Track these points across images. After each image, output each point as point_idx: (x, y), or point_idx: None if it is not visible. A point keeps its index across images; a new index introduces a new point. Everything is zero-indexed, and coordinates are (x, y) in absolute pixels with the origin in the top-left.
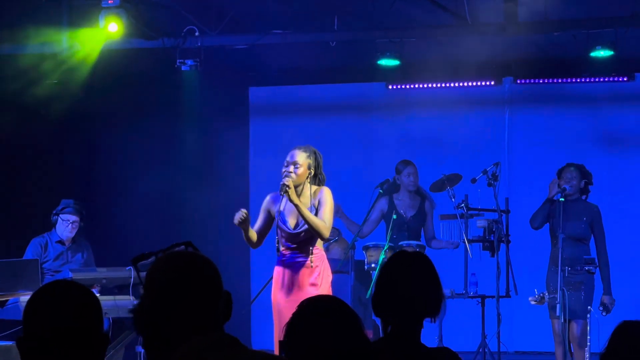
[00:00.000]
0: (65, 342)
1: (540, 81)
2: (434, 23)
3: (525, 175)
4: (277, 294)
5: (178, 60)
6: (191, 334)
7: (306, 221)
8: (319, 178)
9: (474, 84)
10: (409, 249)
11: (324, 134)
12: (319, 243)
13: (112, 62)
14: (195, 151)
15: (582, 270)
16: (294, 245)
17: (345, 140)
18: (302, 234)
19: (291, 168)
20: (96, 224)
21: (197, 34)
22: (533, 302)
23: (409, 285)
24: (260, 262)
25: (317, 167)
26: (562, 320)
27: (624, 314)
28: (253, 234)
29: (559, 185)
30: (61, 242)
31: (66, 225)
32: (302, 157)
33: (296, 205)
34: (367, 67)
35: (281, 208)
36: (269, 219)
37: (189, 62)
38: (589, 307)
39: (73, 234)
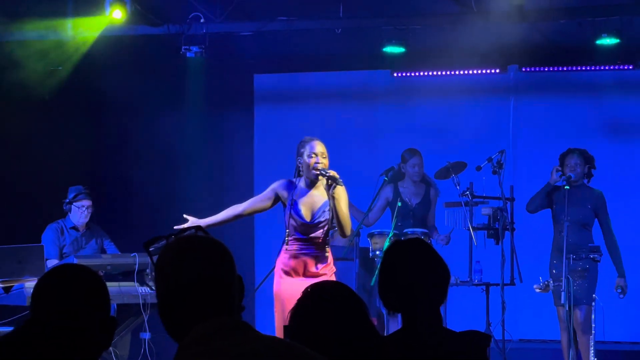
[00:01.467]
0: (73, 325)
1: (546, 69)
2: (439, 10)
3: (530, 163)
4: (283, 285)
5: (183, 47)
6: (206, 319)
7: (340, 215)
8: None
9: (479, 71)
10: (412, 236)
11: (328, 121)
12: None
13: (117, 48)
14: (200, 138)
15: (587, 258)
16: (306, 237)
17: (350, 128)
18: (319, 225)
19: (320, 159)
20: (100, 211)
21: (202, 20)
22: (538, 290)
23: (407, 272)
24: (265, 250)
25: None
26: (567, 308)
27: (631, 301)
28: (224, 220)
29: (563, 172)
30: (75, 228)
31: (82, 211)
32: (325, 149)
33: (335, 198)
34: (373, 54)
35: (295, 198)
36: (273, 200)
37: (194, 48)
38: (593, 294)
39: (88, 219)
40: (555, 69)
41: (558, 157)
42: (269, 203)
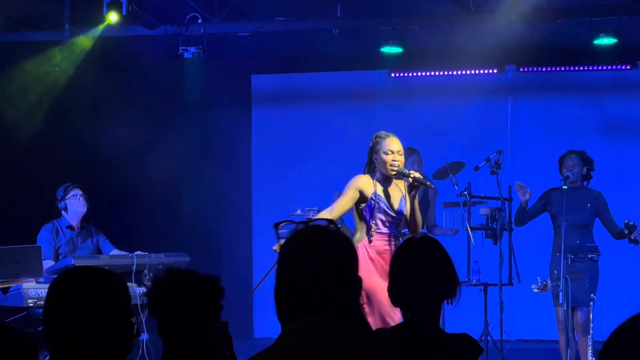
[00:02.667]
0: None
1: (543, 69)
2: (437, 11)
3: (528, 163)
4: (372, 280)
5: (181, 48)
6: (313, 312)
7: (417, 214)
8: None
9: (477, 72)
10: (408, 236)
11: (326, 121)
12: None
13: (115, 49)
14: (198, 139)
15: (585, 258)
16: (389, 231)
17: (348, 128)
18: (402, 220)
19: (397, 156)
20: (99, 212)
21: (199, 21)
22: (536, 290)
23: (421, 271)
24: (263, 249)
25: None
26: (565, 308)
27: (629, 301)
28: None
29: (561, 172)
30: (70, 227)
31: (77, 200)
32: (401, 146)
33: (414, 198)
34: (370, 54)
35: (380, 192)
36: (357, 198)
37: (191, 49)
38: (592, 295)
39: (86, 208)
40: (553, 69)
41: (556, 157)
42: (352, 203)
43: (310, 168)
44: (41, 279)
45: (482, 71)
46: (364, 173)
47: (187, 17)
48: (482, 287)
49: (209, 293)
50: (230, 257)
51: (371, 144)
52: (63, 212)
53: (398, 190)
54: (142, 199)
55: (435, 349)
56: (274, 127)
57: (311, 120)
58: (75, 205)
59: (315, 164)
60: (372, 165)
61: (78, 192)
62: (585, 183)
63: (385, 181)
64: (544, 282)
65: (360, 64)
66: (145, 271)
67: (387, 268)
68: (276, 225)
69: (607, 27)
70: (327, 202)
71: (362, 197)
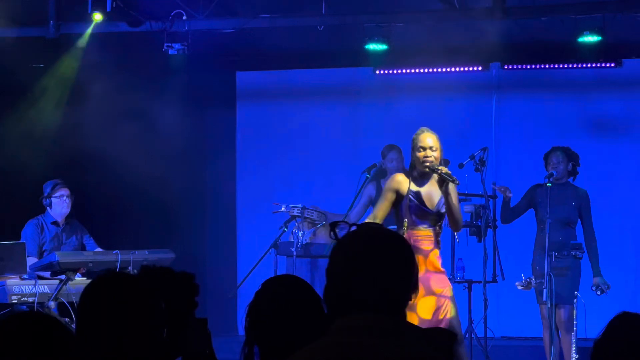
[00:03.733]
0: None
1: (528, 67)
2: (422, 8)
3: (512, 160)
4: None
5: (165, 44)
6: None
7: (453, 210)
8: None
9: (462, 69)
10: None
11: (311, 118)
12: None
13: (99, 45)
14: (182, 135)
15: (569, 255)
16: (425, 227)
17: (333, 125)
18: (439, 214)
19: (428, 152)
20: (83, 207)
21: (184, 17)
22: (520, 287)
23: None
24: (247, 245)
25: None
26: (549, 305)
27: (613, 298)
28: None
29: (547, 169)
30: (55, 223)
31: (62, 201)
32: (437, 141)
33: (448, 194)
34: (355, 51)
35: (414, 189)
36: (394, 199)
37: (176, 46)
38: (575, 292)
39: (70, 209)
40: (538, 67)
41: (540, 154)
42: (390, 205)
43: (295, 165)
44: (25, 276)
45: (466, 68)
46: (409, 171)
47: (172, 14)
48: (466, 285)
49: (184, 290)
50: (214, 253)
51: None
52: (48, 208)
53: (437, 189)
54: (126, 195)
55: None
56: (259, 123)
57: (296, 117)
58: (59, 205)
59: (300, 160)
60: (412, 162)
61: (65, 192)
62: (571, 179)
63: (423, 178)
64: (528, 280)
65: (345, 61)
66: (129, 268)
67: (431, 264)
68: (333, 225)
69: (591, 25)
70: (311, 199)
71: (399, 196)
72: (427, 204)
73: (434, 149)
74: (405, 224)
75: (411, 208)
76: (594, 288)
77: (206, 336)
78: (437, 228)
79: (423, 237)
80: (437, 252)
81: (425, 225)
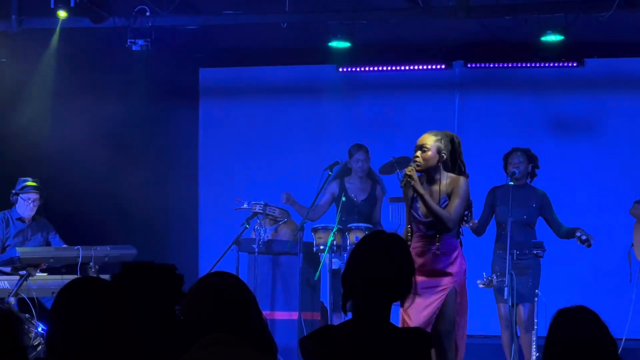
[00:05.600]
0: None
1: (491, 65)
2: (386, 6)
3: (474, 159)
4: None
5: (129, 40)
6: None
7: (429, 211)
8: (458, 165)
9: (425, 67)
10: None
11: (274, 116)
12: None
13: (62, 41)
14: (145, 132)
15: (531, 254)
16: (423, 233)
17: (296, 123)
18: (428, 220)
19: (418, 152)
20: (46, 202)
21: (148, 13)
22: (481, 286)
23: (386, 267)
24: (209, 242)
25: (452, 152)
26: (510, 304)
27: (571, 299)
28: None
29: (507, 170)
30: (21, 219)
31: (27, 204)
32: (430, 140)
33: (420, 195)
34: (318, 49)
35: (414, 195)
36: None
37: (139, 42)
38: (536, 290)
39: (34, 212)
40: (501, 65)
41: (502, 153)
42: (409, 209)
43: (258, 162)
44: None
45: (429, 66)
46: None
47: (136, 10)
48: None
49: (169, 282)
50: (176, 250)
51: None
52: (15, 204)
53: (436, 190)
54: (88, 191)
55: (382, 343)
56: (222, 120)
57: (259, 114)
58: (24, 207)
59: (263, 158)
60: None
61: (33, 196)
62: (529, 180)
63: (428, 181)
64: (490, 278)
65: (308, 58)
66: (90, 264)
67: (432, 269)
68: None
69: (554, 24)
70: (274, 197)
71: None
72: (422, 211)
73: (424, 148)
74: (408, 229)
75: (410, 213)
76: (583, 237)
77: None
78: (436, 233)
79: (423, 242)
80: (438, 256)
81: (421, 231)
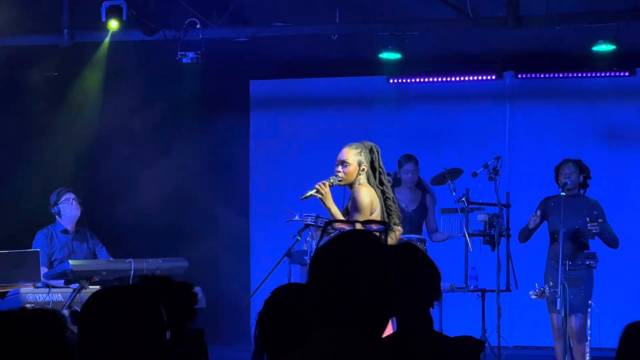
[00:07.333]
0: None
1: (541, 76)
2: (436, 16)
3: (526, 169)
4: None
5: (179, 53)
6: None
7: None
8: (379, 173)
9: (475, 78)
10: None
11: (324, 127)
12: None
13: (113, 54)
14: (196, 144)
15: (583, 265)
16: None
17: (346, 134)
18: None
19: (339, 168)
20: (97, 217)
21: (198, 26)
22: (534, 297)
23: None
24: (260, 255)
25: (372, 163)
26: (562, 315)
27: (626, 310)
28: None
29: (558, 181)
30: (65, 231)
31: (70, 204)
32: (351, 155)
33: (328, 209)
34: (369, 60)
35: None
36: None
37: (190, 54)
38: (589, 301)
39: (80, 212)
40: (551, 76)
41: (554, 163)
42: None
43: (308, 173)
44: (39, 284)
45: (480, 77)
46: None
47: (186, 22)
48: (479, 293)
49: (182, 298)
50: (228, 262)
51: None
52: (57, 217)
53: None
54: (139, 203)
55: (431, 354)
56: (272, 132)
57: (309, 125)
58: (68, 209)
59: (313, 169)
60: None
61: (71, 195)
62: (582, 191)
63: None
64: (542, 289)
65: (358, 70)
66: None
67: None
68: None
69: (605, 34)
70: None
71: None
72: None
73: (345, 163)
74: None
75: None
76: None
77: (202, 347)
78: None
79: None
80: None
81: None
